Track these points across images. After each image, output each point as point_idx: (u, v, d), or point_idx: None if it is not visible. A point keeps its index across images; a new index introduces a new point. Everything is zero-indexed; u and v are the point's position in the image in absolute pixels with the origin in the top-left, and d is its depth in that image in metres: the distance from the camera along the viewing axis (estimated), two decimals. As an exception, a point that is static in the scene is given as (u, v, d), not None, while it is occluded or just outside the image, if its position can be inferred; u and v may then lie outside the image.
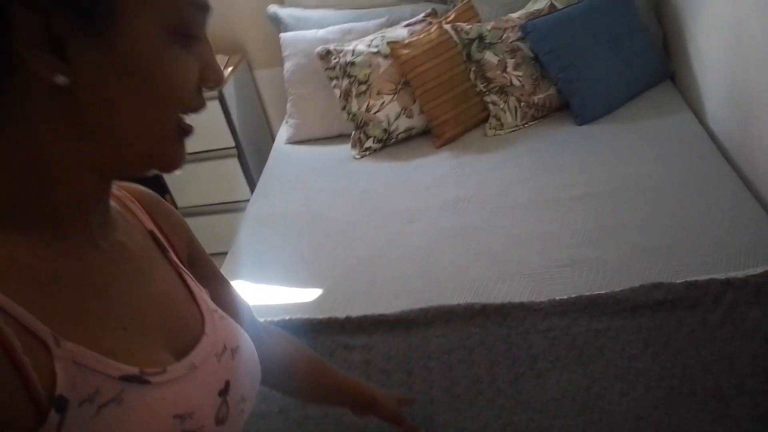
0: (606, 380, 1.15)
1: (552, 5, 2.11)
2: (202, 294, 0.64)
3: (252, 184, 2.47)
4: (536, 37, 2.04)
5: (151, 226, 0.63)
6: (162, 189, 2.46)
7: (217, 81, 0.52)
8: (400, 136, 2.16)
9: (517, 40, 2.08)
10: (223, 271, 1.16)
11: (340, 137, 2.30)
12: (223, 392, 0.58)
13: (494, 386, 1.19)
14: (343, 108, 2.17)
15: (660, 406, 1.09)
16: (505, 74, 2.06)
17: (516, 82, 2.06)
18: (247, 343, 0.66)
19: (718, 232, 1.44)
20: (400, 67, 2.09)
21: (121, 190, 0.63)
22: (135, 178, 0.54)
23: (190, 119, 0.52)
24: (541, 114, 2.10)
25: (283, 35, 2.34)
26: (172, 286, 0.61)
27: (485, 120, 2.13)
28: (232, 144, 2.43)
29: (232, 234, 1.92)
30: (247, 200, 2.15)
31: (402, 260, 1.60)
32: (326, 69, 2.18)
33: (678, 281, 1.29)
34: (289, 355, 0.88)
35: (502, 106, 2.07)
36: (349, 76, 2.13)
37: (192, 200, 2.55)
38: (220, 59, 2.49)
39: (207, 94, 0.53)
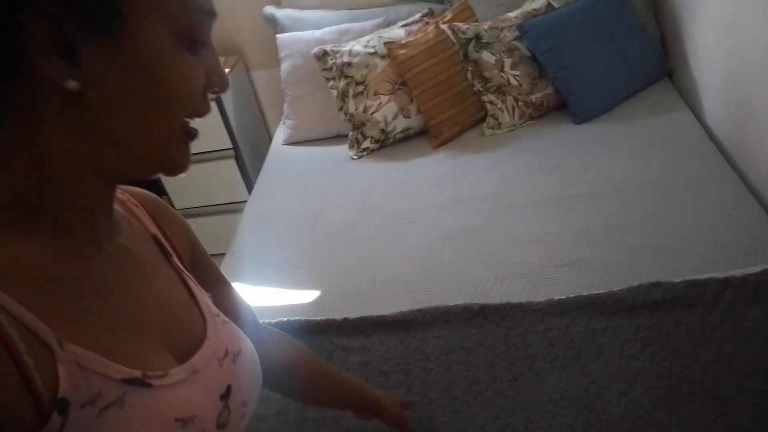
0: (605, 380, 1.15)
1: (549, 4, 2.11)
2: (204, 298, 0.65)
3: (249, 186, 2.47)
4: (533, 37, 2.04)
5: (154, 230, 0.64)
6: (159, 190, 2.46)
7: (223, 86, 0.53)
8: (397, 136, 2.15)
9: (515, 39, 2.08)
10: (220, 273, 1.15)
11: (337, 138, 2.30)
12: (225, 396, 0.58)
13: (493, 387, 1.19)
14: (340, 109, 2.17)
15: (659, 406, 1.08)
16: (502, 74, 2.06)
17: (513, 82, 2.06)
18: (248, 347, 0.66)
19: (717, 230, 1.44)
20: (397, 67, 2.08)
21: (126, 194, 0.64)
22: (137, 180, 0.55)
23: (192, 123, 0.53)
24: (539, 113, 2.10)
25: (279, 36, 2.34)
26: (174, 290, 0.62)
27: (483, 120, 2.13)
28: (230, 145, 2.42)
29: (230, 235, 1.92)
30: (245, 201, 2.14)
31: (400, 261, 1.60)
32: (323, 70, 2.17)
33: (676, 280, 1.28)
34: (292, 358, 0.88)
35: (499, 105, 2.07)
36: (346, 77, 2.13)
37: (189, 202, 2.55)
38: (217, 60, 2.48)
39: (206, 96, 0.53)
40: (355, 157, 2.16)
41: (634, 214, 1.57)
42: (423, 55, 2.06)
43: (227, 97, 2.40)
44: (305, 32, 2.32)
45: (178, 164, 0.52)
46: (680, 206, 1.55)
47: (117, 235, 0.56)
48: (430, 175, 1.95)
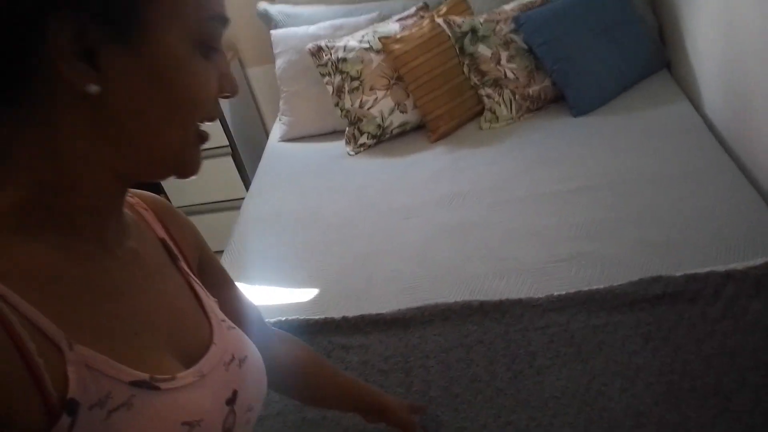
0: (606, 376, 1.14)
1: (545, -4, 2.09)
2: (211, 303, 0.65)
3: (247, 182, 2.45)
4: (530, 29, 2.02)
5: (162, 234, 0.64)
6: (157, 188, 2.45)
7: (233, 90, 0.54)
8: (394, 131, 2.14)
9: (511, 32, 2.06)
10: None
11: (334, 134, 2.29)
12: (231, 401, 0.58)
13: (493, 385, 1.18)
14: (336, 104, 2.15)
15: (660, 402, 1.07)
16: (499, 67, 2.04)
17: (510, 75, 2.04)
18: (254, 353, 0.66)
19: (717, 223, 1.43)
20: (393, 62, 2.07)
21: (135, 198, 0.64)
22: (145, 183, 0.55)
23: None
24: (536, 106, 2.08)
25: (273, 32, 2.32)
26: (181, 294, 0.62)
27: (480, 113, 2.11)
28: (226, 143, 2.41)
29: (227, 233, 1.91)
30: (242, 199, 2.13)
31: (398, 258, 1.58)
32: (318, 66, 2.15)
33: (677, 274, 1.27)
34: (299, 360, 0.88)
35: (496, 99, 2.05)
36: (341, 73, 2.11)
37: (187, 199, 2.53)
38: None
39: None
40: (352, 153, 2.15)
41: (634, 207, 1.55)
42: (418, 49, 2.04)
43: (223, 95, 2.38)
44: (299, 28, 2.29)
45: (191, 166, 0.54)
46: (680, 198, 1.54)
47: (126, 239, 0.57)
48: (428, 171, 1.94)
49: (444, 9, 2.14)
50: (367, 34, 2.14)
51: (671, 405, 1.07)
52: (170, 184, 2.46)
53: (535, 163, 1.83)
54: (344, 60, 2.10)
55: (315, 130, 2.32)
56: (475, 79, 2.07)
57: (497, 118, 2.06)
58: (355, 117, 2.12)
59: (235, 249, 1.79)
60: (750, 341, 1.12)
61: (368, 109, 2.10)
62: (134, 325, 0.52)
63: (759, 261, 1.24)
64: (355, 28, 2.23)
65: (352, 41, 2.13)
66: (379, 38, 2.09)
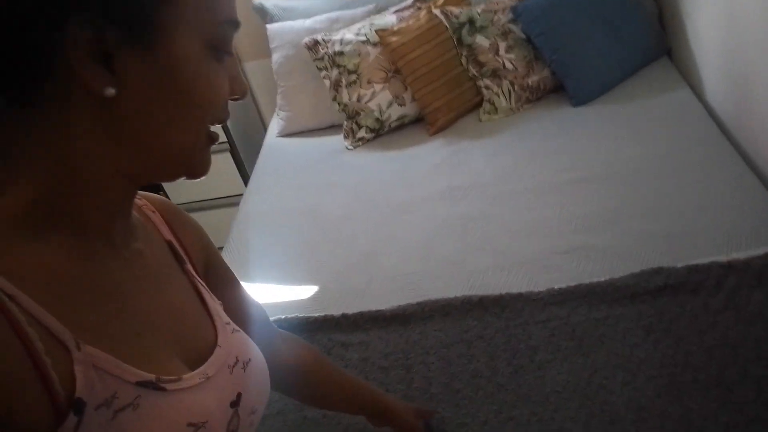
0: (607, 370, 1.13)
1: (543, -16, 2.06)
2: (216, 306, 0.65)
3: (246, 178, 2.44)
4: (528, 19, 2.00)
5: (169, 236, 0.65)
6: (156, 186, 2.44)
7: (243, 93, 0.55)
8: (392, 124, 2.12)
9: (509, 22, 2.04)
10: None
11: (332, 128, 2.27)
12: (235, 404, 0.58)
13: (494, 380, 1.17)
14: (334, 99, 2.13)
15: (662, 395, 1.07)
16: (497, 57, 2.02)
17: (509, 65, 2.02)
18: (258, 356, 0.67)
19: (720, 212, 1.41)
20: (390, 54, 2.05)
21: (143, 200, 0.65)
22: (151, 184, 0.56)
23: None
24: (536, 97, 2.07)
25: (269, 26, 2.30)
26: (186, 297, 0.63)
27: (479, 105, 2.10)
28: (224, 139, 2.40)
29: (227, 230, 1.90)
30: (241, 195, 2.12)
31: (397, 253, 1.57)
32: (315, 60, 2.14)
33: (678, 265, 1.26)
34: (305, 363, 0.88)
35: (495, 90, 2.03)
36: (338, 66, 2.09)
37: (186, 196, 2.53)
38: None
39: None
40: (351, 147, 2.13)
41: (634, 197, 1.54)
42: (416, 41, 2.02)
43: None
44: (295, 21, 2.28)
45: (201, 167, 0.54)
46: (681, 188, 1.52)
47: (133, 240, 0.57)
48: (427, 164, 1.93)
49: (441, 0, 2.12)
50: (363, 26, 2.12)
51: (673, 398, 1.06)
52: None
53: (535, 155, 1.82)
54: (341, 53, 2.09)
55: (313, 125, 2.30)
56: (473, 71, 2.05)
57: (496, 109, 2.04)
58: (353, 111, 2.11)
59: (234, 246, 1.78)
60: (752, 332, 1.11)
61: (366, 102, 2.08)
62: (140, 326, 0.52)
63: (761, 251, 1.23)
64: (352, 21, 2.21)
65: (349, 34, 2.11)
66: (376, 31, 2.07)
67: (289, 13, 2.33)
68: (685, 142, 1.68)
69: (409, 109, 2.11)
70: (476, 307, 1.31)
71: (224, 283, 0.74)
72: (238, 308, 0.74)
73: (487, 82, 2.04)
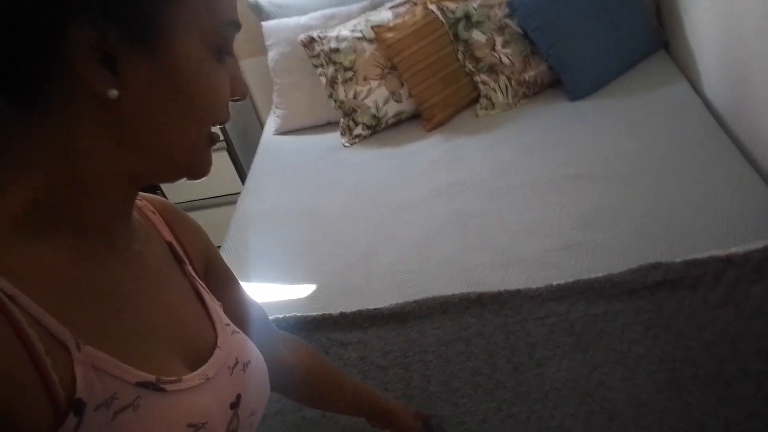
0: (606, 366, 1.13)
1: (539, -22, 2.05)
2: (216, 307, 0.65)
3: (243, 176, 2.44)
4: (524, 13, 1.99)
5: (170, 237, 0.65)
6: (153, 186, 2.43)
7: (244, 94, 0.55)
8: (389, 121, 2.11)
9: (505, 17, 2.02)
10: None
11: (329, 125, 2.26)
12: (235, 405, 0.58)
13: (493, 378, 1.17)
14: (330, 96, 2.12)
15: (662, 391, 1.06)
16: (494, 53, 2.01)
17: (505, 60, 2.01)
18: (258, 358, 0.67)
19: (718, 206, 1.41)
20: (386, 50, 2.04)
21: (144, 201, 0.65)
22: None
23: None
24: (533, 91, 2.06)
25: (264, 24, 2.29)
26: (186, 298, 0.62)
27: (476, 101, 2.09)
28: (221, 137, 2.39)
29: (225, 228, 1.89)
30: (238, 193, 2.11)
31: (395, 251, 1.57)
32: (310, 57, 2.13)
33: (677, 260, 1.25)
34: (305, 364, 0.88)
35: (492, 85, 2.02)
36: (334, 63, 2.08)
37: (183, 195, 2.52)
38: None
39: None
40: (348, 144, 2.12)
41: (632, 193, 1.53)
42: (412, 37, 2.01)
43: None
44: (291, 19, 2.26)
45: (202, 168, 0.54)
46: (679, 182, 1.52)
47: (134, 241, 0.57)
48: (424, 161, 1.92)
49: (436, -5, 2.10)
50: (359, 23, 2.11)
51: (673, 393, 1.05)
52: (167, 180, 2.45)
53: (532, 150, 1.81)
54: (337, 50, 2.08)
55: (310, 123, 2.29)
56: (470, 66, 2.04)
57: (493, 104, 2.03)
58: (349, 108, 2.10)
59: (231, 245, 1.78)
60: (751, 327, 1.10)
61: (362, 99, 2.07)
62: (139, 326, 0.52)
63: (759, 244, 1.22)
64: (347, 17, 2.20)
65: (344, 31, 2.10)
66: (372, 27, 2.06)
67: (285, 10, 2.32)
68: (682, 136, 1.67)
69: (406, 106, 2.10)
70: (474, 305, 1.31)
71: (224, 284, 0.74)
72: (237, 308, 0.74)
73: (484, 77, 2.03)
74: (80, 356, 0.44)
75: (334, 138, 2.17)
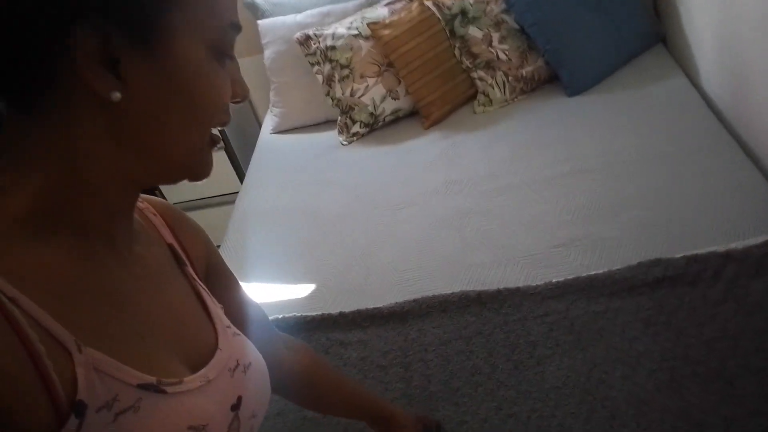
0: (607, 364, 1.13)
1: (535, -27, 2.04)
2: (216, 309, 0.65)
3: (241, 175, 2.43)
4: (521, 9, 1.98)
5: (171, 239, 0.65)
6: (152, 186, 2.42)
7: (245, 95, 0.56)
8: (387, 119, 2.10)
9: (502, 12, 2.02)
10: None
11: (326, 124, 2.26)
12: (235, 407, 0.58)
13: (494, 377, 1.17)
14: (327, 94, 2.12)
15: (663, 389, 1.06)
16: (491, 49, 2.00)
17: (503, 56, 2.00)
18: (258, 360, 0.67)
19: (717, 200, 1.40)
20: (382, 48, 2.03)
21: (145, 203, 0.65)
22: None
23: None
24: (530, 87, 2.05)
25: (260, 22, 2.27)
26: (187, 300, 0.63)
27: (473, 97, 2.08)
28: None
29: (223, 228, 1.89)
30: (237, 192, 2.11)
31: (394, 250, 1.56)
32: (307, 55, 2.12)
33: (677, 256, 1.25)
34: (306, 367, 0.88)
35: (489, 81, 2.01)
36: (331, 61, 2.07)
37: (181, 195, 2.51)
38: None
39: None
40: (345, 142, 2.12)
41: (631, 187, 1.53)
42: (408, 34, 2.00)
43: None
44: (287, 17, 2.25)
45: (203, 170, 0.54)
46: (678, 177, 1.51)
47: (135, 243, 0.57)
48: (422, 158, 1.91)
49: (432, -9, 2.09)
50: (355, 20, 2.10)
51: (673, 391, 1.05)
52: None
53: (530, 147, 1.80)
54: (333, 48, 2.07)
55: (307, 121, 2.29)
56: (467, 62, 2.03)
57: (491, 101, 2.02)
58: (346, 106, 2.09)
59: (230, 244, 1.77)
60: (751, 323, 1.10)
61: (359, 97, 2.07)
62: (141, 328, 0.52)
63: (759, 240, 1.22)
64: (343, 15, 2.19)
65: (341, 28, 2.09)
66: (368, 24, 2.05)
67: (280, 9, 2.30)
68: (681, 131, 1.66)
69: (403, 103, 2.09)
70: (474, 303, 1.31)
71: (225, 285, 0.74)
72: (237, 310, 0.74)
73: (481, 73, 2.02)
74: (81, 358, 0.44)
75: (331, 136, 2.17)
